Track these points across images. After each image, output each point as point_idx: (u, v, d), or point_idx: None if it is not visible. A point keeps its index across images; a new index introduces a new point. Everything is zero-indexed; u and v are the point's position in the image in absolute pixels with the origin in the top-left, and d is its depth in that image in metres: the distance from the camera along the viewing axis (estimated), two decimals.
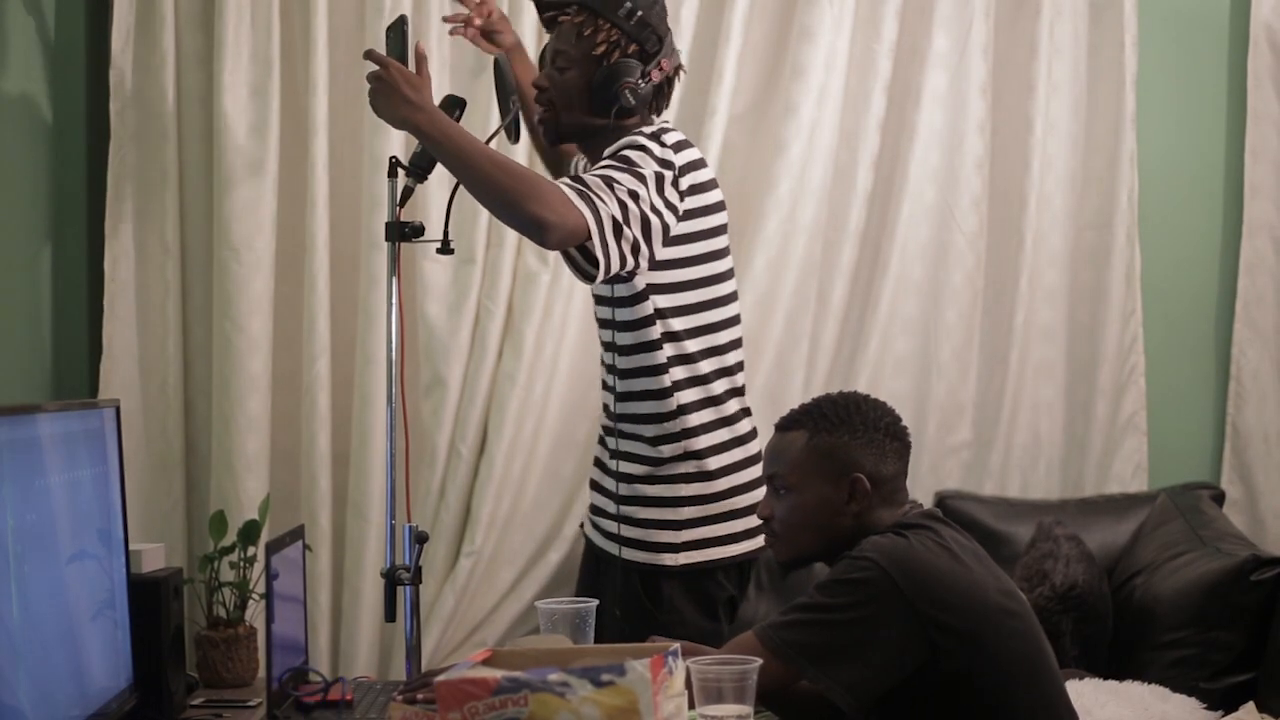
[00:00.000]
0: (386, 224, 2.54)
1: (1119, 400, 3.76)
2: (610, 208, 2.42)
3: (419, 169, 2.54)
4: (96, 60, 3.45)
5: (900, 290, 3.68)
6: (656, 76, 2.61)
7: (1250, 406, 3.76)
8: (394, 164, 2.57)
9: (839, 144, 3.63)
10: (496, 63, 2.65)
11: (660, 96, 2.65)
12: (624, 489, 2.62)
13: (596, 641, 2.43)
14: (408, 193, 2.56)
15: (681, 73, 2.71)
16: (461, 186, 2.47)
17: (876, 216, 3.67)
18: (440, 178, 2.63)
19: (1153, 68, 3.78)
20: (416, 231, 2.55)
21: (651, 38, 2.59)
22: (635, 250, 2.46)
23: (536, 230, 2.39)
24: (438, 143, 2.41)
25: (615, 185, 2.44)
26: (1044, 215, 3.72)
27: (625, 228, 2.43)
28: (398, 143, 3.34)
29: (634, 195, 2.44)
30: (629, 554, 2.60)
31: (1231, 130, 3.80)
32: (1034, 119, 3.68)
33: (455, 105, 2.55)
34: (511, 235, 3.38)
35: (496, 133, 2.66)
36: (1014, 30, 3.72)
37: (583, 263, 2.44)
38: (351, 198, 3.48)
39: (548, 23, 2.66)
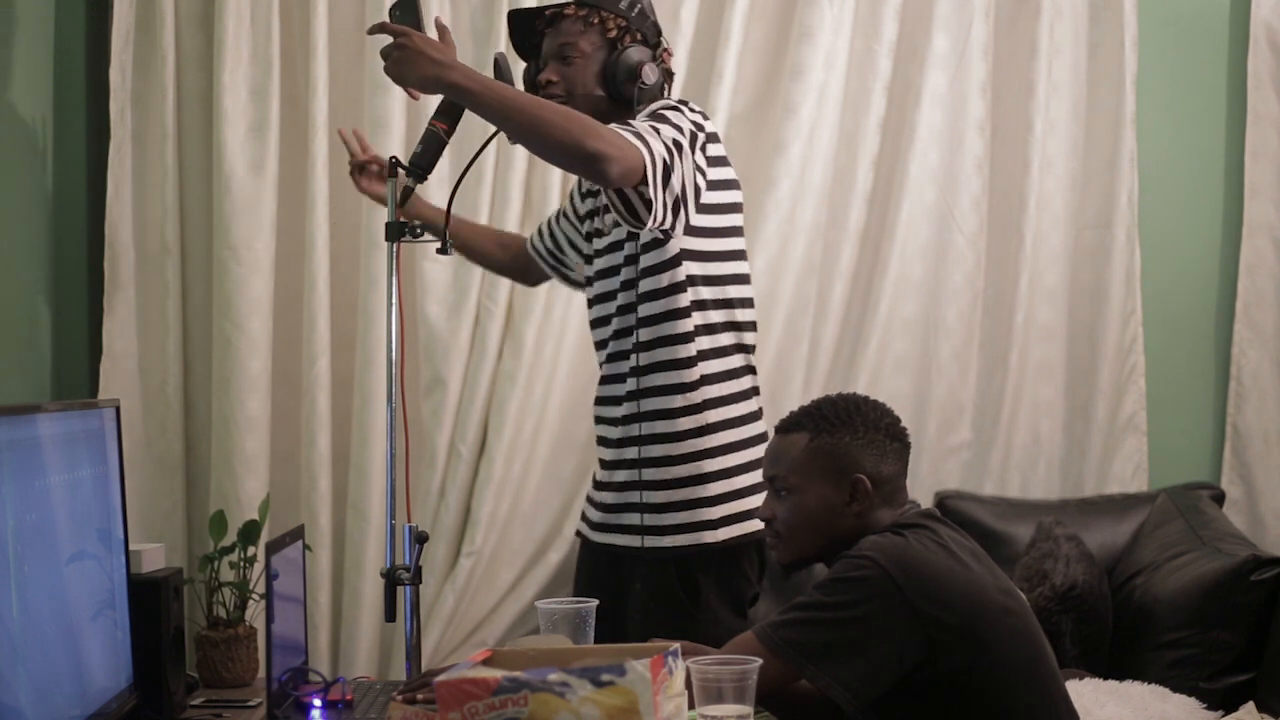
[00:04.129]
0: (386, 224, 2.53)
1: (1119, 400, 3.76)
2: (660, 150, 2.40)
3: (419, 169, 2.54)
4: (96, 60, 3.45)
5: (900, 290, 3.68)
6: (667, 59, 2.64)
7: (1250, 406, 3.76)
8: (394, 164, 2.56)
9: (839, 144, 3.63)
10: (496, 62, 2.64)
11: (663, 87, 2.67)
12: (648, 474, 2.58)
13: (623, 637, 2.43)
14: (408, 193, 2.56)
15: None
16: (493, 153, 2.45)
17: (876, 216, 3.67)
18: (440, 178, 2.63)
19: (1153, 68, 3.78)
20: (416, 232, 2.55)
21: (651, 28, 2.63)
22: (676, 208, 2.45)
23: (598, 164, 2.34)
24: (479, 95, 2.35)
25: (660, 132, 2.43)
26: (1044, 215, 3.72)
27: (671, 174, 2.42)
28: (398, 143, 3.34)
29: (678, 145, 2.44)
30: (667, 541, 2.56)
31: (1231, 130, 3.80)
32: (1034, 119, 3.68)
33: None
34: None
35: (496, 134, 2.65)
36: (1014, 30, 3.72)
37: (625, 213, 2.43)
38: (351, 198, 3.47)
39: (548, 22, 2.66)
